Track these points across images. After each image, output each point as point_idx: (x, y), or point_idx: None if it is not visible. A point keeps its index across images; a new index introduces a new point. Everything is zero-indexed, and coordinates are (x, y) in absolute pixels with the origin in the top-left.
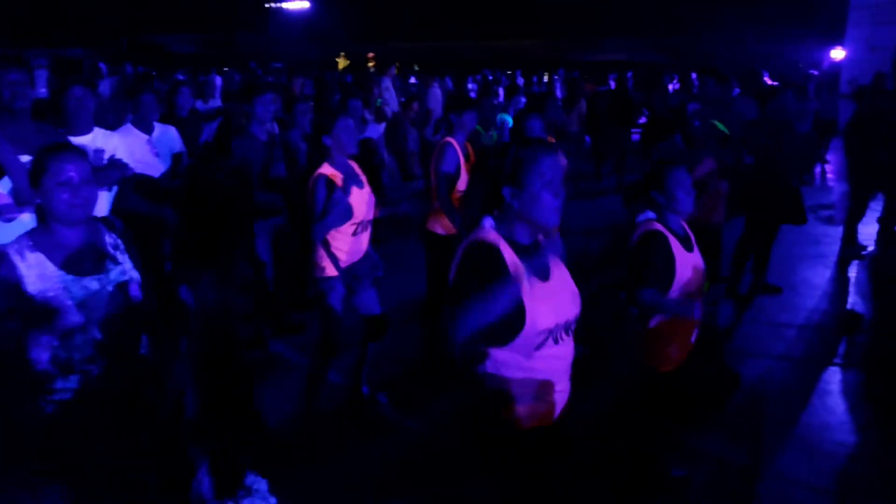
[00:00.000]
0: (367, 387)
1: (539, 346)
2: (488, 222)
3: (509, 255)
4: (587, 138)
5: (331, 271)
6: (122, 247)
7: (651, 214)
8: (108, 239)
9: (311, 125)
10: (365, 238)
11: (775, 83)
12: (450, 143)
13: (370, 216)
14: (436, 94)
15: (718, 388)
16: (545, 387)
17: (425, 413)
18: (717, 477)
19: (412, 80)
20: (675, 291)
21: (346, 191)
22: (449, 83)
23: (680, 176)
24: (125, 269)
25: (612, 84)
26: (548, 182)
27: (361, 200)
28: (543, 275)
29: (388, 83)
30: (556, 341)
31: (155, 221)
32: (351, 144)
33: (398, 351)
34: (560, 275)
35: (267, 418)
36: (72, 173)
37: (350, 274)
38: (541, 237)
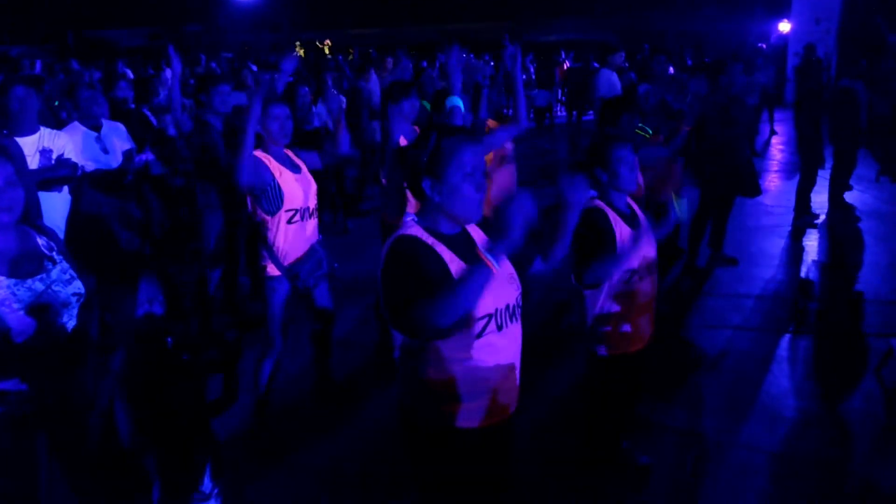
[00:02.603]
0: (332, 375)
1: (480, 335)
2: (410, 217)
3: (435, 245)
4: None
5: (272, 271)
6: (55, 248)
7: (593, 192)
8: (41, 241)
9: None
10: (308, 228)
11: (707, 59)
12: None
13: (310, 204)
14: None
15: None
16: (489, 381)
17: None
18: (680, 448)
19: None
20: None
21: (276, 173)
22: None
23: (623, 153)
24: (64, 267)
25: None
26: (469, 174)
27: (297, 186)
28: (476, 259)
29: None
30: (499, 328)
31: (117, 218)
32: (282, 134)
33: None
34: None
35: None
36: None
37: (292, 273)
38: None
